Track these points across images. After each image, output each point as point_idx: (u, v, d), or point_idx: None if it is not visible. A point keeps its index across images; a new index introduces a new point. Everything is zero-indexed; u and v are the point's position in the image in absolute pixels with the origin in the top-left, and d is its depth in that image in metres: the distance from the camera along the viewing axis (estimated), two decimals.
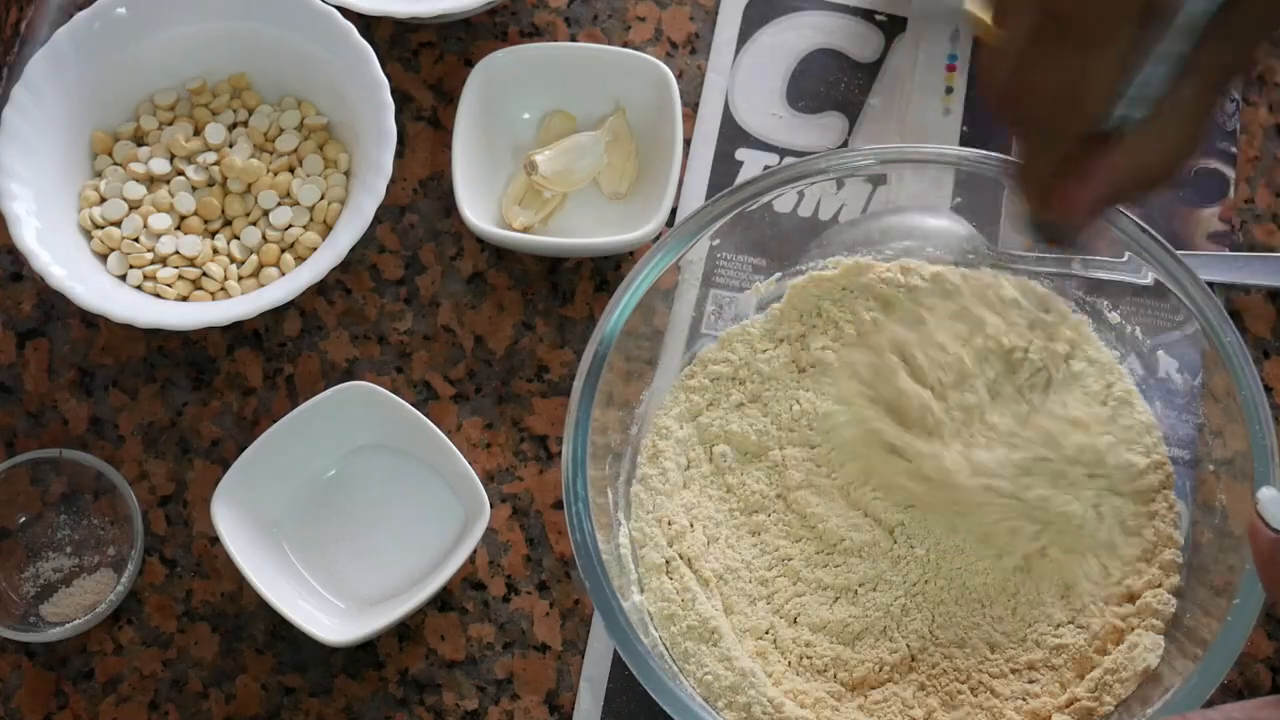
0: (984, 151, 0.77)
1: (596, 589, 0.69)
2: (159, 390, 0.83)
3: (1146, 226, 0.74)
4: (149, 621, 0.79)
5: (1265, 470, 0.70)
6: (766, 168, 0.86)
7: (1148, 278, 0.75)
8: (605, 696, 0.76)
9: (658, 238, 0.83)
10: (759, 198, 0.77)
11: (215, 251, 0.83)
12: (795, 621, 0.74)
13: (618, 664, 0.77)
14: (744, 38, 0.90)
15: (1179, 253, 0.84)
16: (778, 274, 0.81)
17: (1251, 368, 0.72)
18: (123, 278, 0.82)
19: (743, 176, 0.86)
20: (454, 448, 0.77)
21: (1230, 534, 0.71)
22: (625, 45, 0.89)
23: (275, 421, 0.78)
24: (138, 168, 0.84)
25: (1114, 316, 0.78)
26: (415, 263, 0.85)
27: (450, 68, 0.89)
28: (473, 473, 0.76)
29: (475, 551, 0.77)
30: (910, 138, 0.86)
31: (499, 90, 0.86)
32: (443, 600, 0.79)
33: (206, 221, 0.84)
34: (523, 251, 0.85)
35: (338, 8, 0.84)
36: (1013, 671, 0.73)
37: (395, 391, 0.79)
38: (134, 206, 0.84)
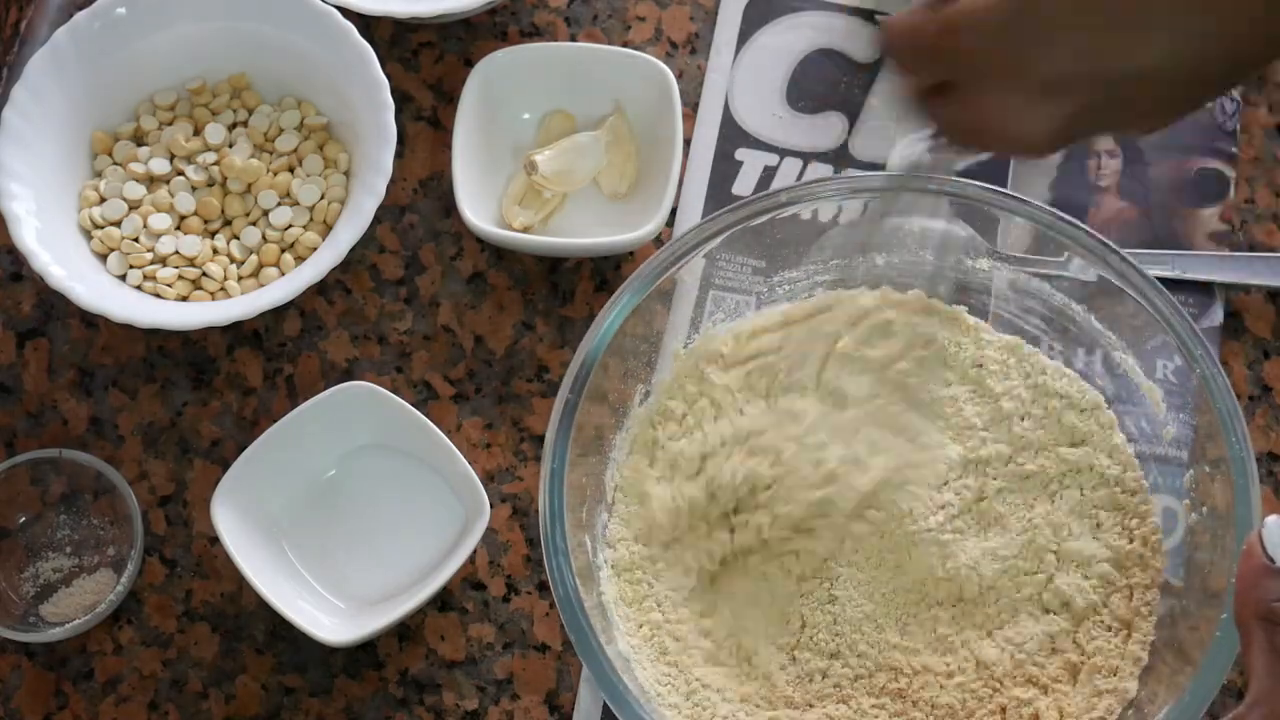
0: (982, 184, 0.76)
1: (582, 642, 0.69)
2: (159, 390, 0.83)
3: (1106, 240, 0.75)
4: (149, 621, 0.79)
5: (1244, 484, 0.70)
6: (766, 168, 0.87)
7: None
8: None
9: (658, 238, 0.83)
10: (754, 219, 0.77)
11: (215, 251, 0.83)
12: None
13: None
14: (744, 38, 0.90)
15: (1176, 253, 0.84)
16: (776, 276, 0.81)
17: (1222, 376, 0.72)
18: (123, 278, 0.82)
19: (742, 176, 0.86)
20: (454, 448, 0.77)
21: (1225, 535, 0.71)
22: (625, 45, 0.89)
23: (275, 421, 0.78)
24: (138, 168, 0.84)
25: (1121, 310, 0.78)
26: (415, 263, 0.85)
27: (450, 68, 0.89)
28: (473, 473, 0.77)
29: (475, 551, 0.77)
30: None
31: (499, 90, 0.86)
32: (443, 600, 0.79)
33: (206, 221, 0.84)
34: (523, 251, 0.85)
35: (338, 8, 0.84)
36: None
37: (395, 391, 0.79)
38: (134, 206, 0.84)
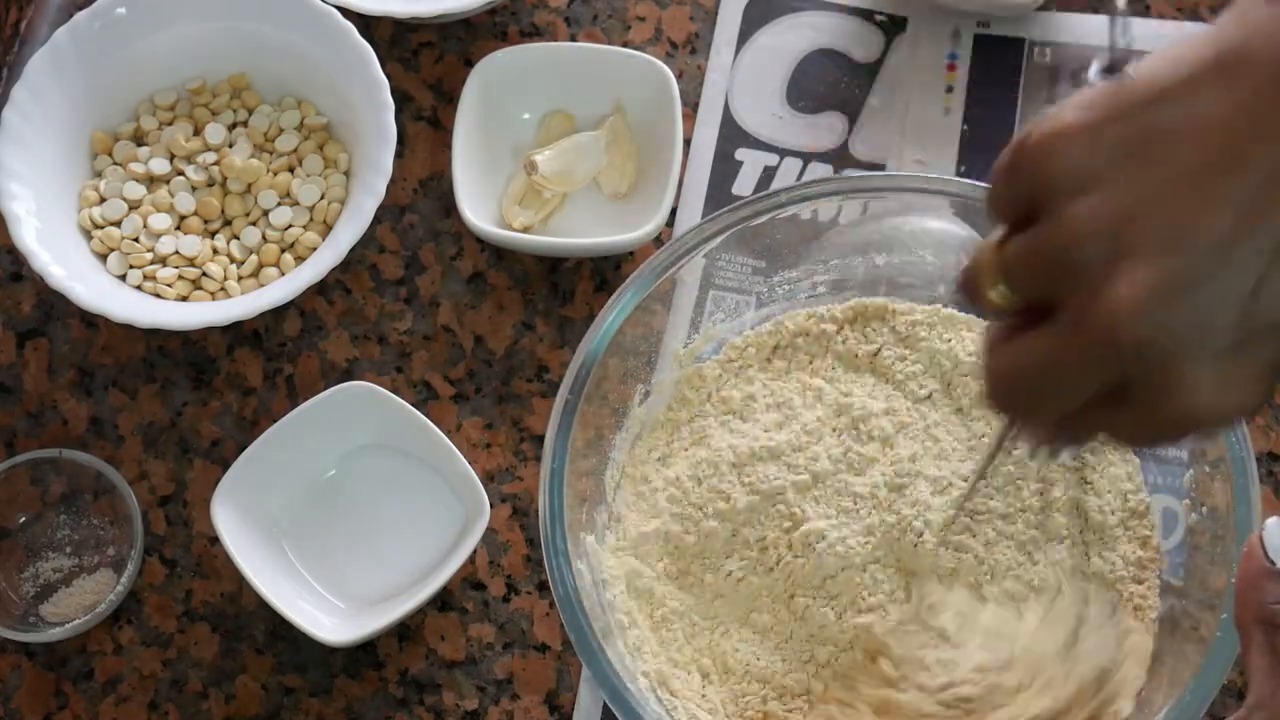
0: (982, 184, 0.76)
1: (582, 642, 0.69)
2: (159, 390, 0.83)
3: None
4: (149, 621, 0.79)
5: (1244, 484, 0.70)
6: (766, 168, 0.87)
7: None
8: None
9: (658, 238, 0.83)
10: (754, 219, 0.77)
11: (215, 251, 0.83)
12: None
13: None
14: (744, 38, 0.90)
15: None
16: (776, 276, 0.81)
17: None
18: (123, 278, 0.82)
19: (742, 176, 0.86)
20: (454, 448, 0.77)
21: (1225, 535, 0.72)
22: (625, 45, 0.89)
23: (275, 421, 0.78)
24: (138, 168, 0.84)
25: None
26: (415, 263, 0.85)
27: (450, 68, 0.89)
28: (473, 473, 0.77)
29: (475, 551, 0.77)
30: (911, 138, 0.86)
31: (499, 90, 0.86)
32: (443, 600, 0.79)
33: (206, 221, 0.84)
34: (523, 251, 0.85)
35: (338, 8, 0.84)
36: None
37: (395, 391, 0.79)
38: (134, 206, 0.84)
